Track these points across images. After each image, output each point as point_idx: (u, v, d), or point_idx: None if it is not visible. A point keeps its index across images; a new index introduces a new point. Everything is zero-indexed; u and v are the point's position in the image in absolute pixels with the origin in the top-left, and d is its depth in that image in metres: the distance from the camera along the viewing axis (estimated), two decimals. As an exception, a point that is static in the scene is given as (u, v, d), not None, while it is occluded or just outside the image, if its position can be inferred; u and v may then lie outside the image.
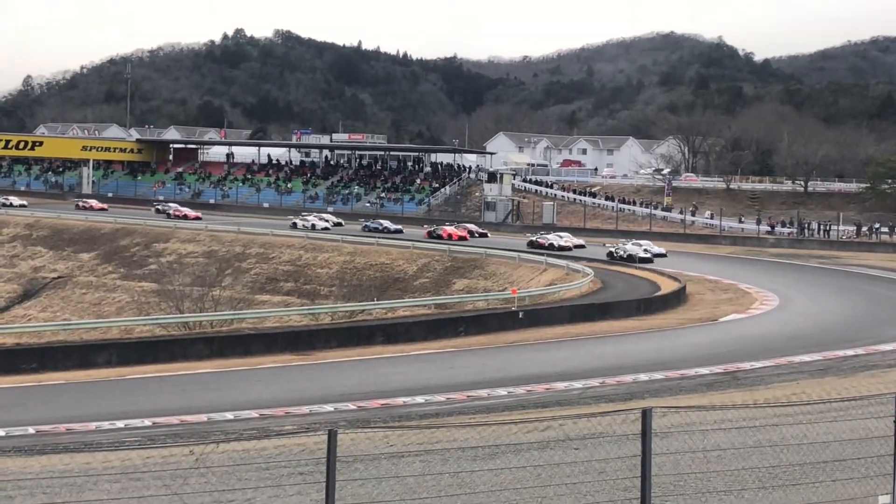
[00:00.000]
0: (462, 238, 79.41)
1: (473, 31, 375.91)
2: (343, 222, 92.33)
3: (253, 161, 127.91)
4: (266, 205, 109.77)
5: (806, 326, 40.33)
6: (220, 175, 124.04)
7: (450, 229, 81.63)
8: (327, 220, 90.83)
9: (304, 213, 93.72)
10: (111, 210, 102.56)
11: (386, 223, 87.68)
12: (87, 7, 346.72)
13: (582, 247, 74.33)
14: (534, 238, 75.50)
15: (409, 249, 73.86)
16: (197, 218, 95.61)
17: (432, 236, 79.41)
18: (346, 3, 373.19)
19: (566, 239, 76.05)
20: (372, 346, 34.69)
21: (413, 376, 29.01)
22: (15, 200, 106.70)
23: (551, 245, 73.12)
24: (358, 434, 14.51)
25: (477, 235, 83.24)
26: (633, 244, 70.42)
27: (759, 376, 28.16)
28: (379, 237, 78.24)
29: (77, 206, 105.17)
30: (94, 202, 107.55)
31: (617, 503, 11.66)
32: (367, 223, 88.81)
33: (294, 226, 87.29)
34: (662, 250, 70.87)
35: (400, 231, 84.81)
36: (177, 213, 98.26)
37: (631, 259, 65.64)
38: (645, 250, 68.62)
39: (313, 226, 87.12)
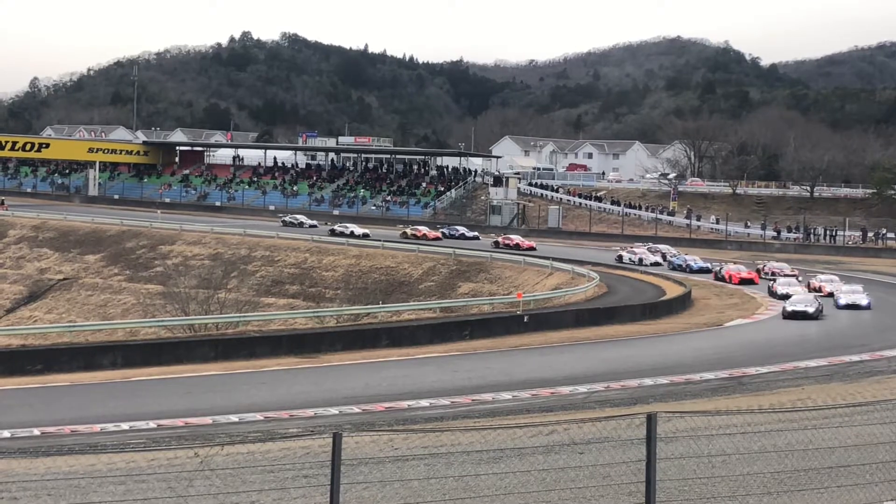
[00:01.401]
0: (747, 281, 58.77)
1: (480, 35, 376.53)
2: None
3: (259, 164, 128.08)
4: (272, 207, 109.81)
5: (811, 332, 40.31)
6: (226, 177, 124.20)
7: (733, 269, 60.87)
8: (661, 254, 71.87)
9: (629, 246, 75.21)
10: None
11: (690, 260, 67.05)
12: (95, 9, 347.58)
13: (829, 295, 50.64)
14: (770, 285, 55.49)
15: (415, 253, 73.99)
16: (532, 248, 77.77)
17: (718, 278, 60.45)
18: (352, 7, 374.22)
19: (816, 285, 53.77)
20: (377, 349, 34.65)
21: (418, 379, 28.98)
22: (356, 229, 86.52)
23: (774, 293, 52.48)
24: (362, 437, 14.50)
25: (781, 276, 58.83)
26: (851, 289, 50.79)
27: (765, 381, 28.12)
28: (683, 275, 62.28)
29: (405, 234, 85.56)
30: (425, 229, 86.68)
31: (621, 508, 11.65)
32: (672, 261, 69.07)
33: (620, 259, 70.17)
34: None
35: (708, 271, 64.02)
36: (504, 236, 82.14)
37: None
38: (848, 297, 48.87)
39: (640, 260, 68.99)
